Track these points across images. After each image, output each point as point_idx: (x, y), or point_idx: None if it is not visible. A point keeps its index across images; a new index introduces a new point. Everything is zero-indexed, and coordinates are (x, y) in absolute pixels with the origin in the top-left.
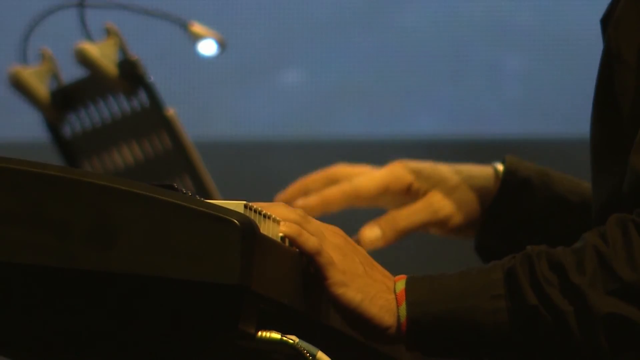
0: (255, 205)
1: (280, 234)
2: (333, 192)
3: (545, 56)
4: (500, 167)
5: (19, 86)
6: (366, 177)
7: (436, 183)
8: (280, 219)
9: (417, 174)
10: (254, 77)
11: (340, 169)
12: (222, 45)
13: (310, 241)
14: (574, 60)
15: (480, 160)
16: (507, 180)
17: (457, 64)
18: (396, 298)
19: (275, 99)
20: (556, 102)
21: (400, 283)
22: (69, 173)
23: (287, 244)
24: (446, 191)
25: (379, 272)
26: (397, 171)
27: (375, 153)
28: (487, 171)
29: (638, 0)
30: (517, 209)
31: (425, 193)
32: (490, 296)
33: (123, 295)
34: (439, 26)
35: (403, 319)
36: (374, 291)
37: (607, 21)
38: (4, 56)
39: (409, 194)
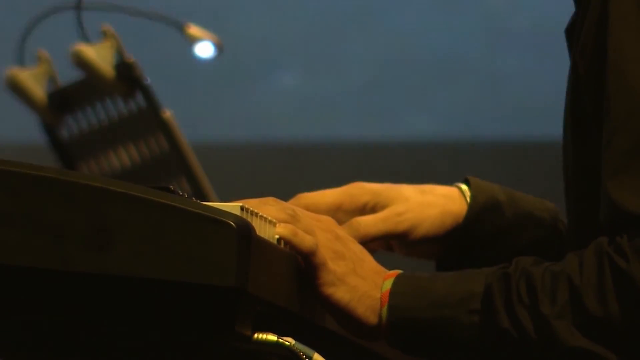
0: (247, 202)
1: (276, 236)
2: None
3: (540, 58)
4: (464, 187)
5: (15, 88)
6: (318, 195)
7: (396, 197)
8: (273, 219)
9: (375, 194)
10: (250, 79)
11: (302, 195)
12: (219, 47)
13: (305, 242)
14: (568, 63)
15: (475, 161)
16: (476, 197)
17: (453, 66)
18: (381, 298)
19: (271, 101)
20: (551, 104)
21: (388, 282)
22: (65, 175)
23: (282, 245)
24: (408, 207)
25: (370, 268)
26: (352, 191)
27: (370, 155)
28: (451, 191)
29: (599, 26)
30: (488, 225)
31: (383, 208)
32: (467, 310)
33: (119, 298)
34: (435, 29)
35: (384, 320)
36: (362, 290)
37: (571, 32)
38: (1, 58)
39: (364, 212)
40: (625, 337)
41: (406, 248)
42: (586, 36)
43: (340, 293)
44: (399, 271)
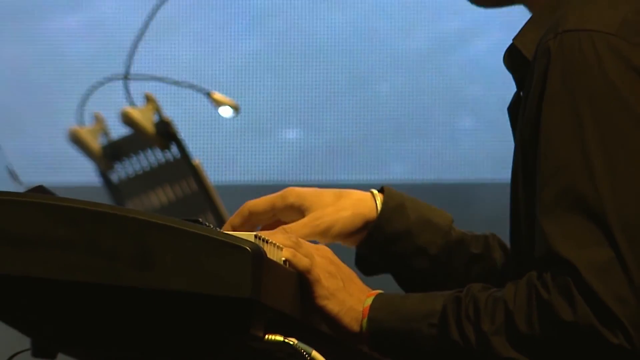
0: (262, 233)
1: (283, 258)
2: (234, 217)
3: (492, 118)
4: (376, 192)
5: (76, 142)
6: (258, 199)
7: (317, 202)
8: (280, 244)
9: (300, 197)
10: (262, 134)
11: (248, 202)
12: (236, 109)
13: (302, 262)
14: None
15: (441, 200)
16: (388, 202)
17: (422, 123)
18: (363, 312)
19: (279, 151)
20: (501, 153)
21: (369, 299)
22: (116, 210)
23: (288, 266)
24: (324, 212)
25: (357, 287)
26: (283, 193)
27: None
28: (365, 195)
29: (539, 103)
30: (396, 224)
31: (307, 210)
32: (428, 323)
33: (159, 306)
34: (406, 93)
35: (364, 329)
36: (349, 304)
37: (513, 110)
38: (66, 118)
39: (293, 210)
40: (546, 350)
41: (327, 239)
42: (529, 110)
43: (331, 305)
44: (380, 291)
